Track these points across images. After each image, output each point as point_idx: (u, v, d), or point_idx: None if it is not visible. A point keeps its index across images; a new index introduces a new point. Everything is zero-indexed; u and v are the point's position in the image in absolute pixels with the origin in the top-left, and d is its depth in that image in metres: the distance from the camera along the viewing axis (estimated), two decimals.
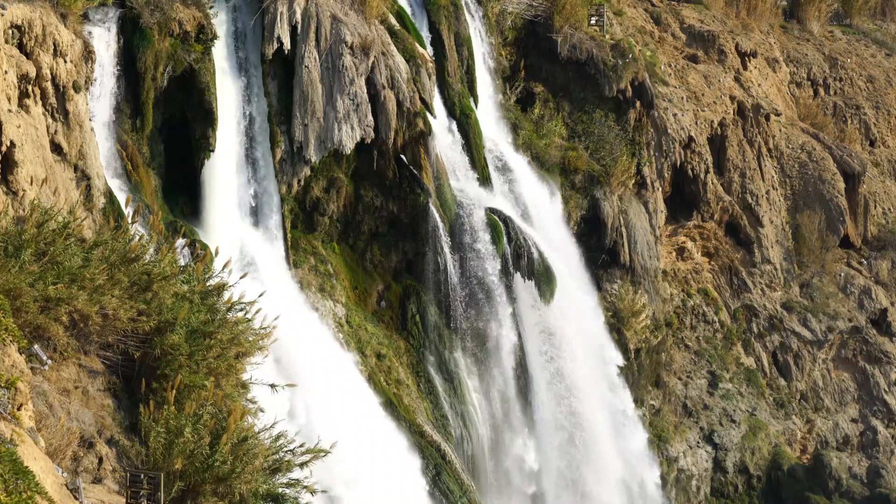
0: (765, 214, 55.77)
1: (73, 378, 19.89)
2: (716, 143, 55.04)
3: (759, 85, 59.19)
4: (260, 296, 22.82)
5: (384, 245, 40.57)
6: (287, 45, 37.54)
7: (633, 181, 49.23)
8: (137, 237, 22.09)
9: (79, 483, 16.46)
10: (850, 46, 68.33)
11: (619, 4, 56.74)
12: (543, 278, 42.14)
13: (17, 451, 14.55)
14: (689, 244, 54.17)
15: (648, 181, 50.01)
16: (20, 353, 17.11)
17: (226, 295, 22.46)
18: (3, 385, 15.70)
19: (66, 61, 29.99)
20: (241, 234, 36.49)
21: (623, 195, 48.58)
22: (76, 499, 16.21)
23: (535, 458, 42.28)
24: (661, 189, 51.41)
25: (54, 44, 29.56)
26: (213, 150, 35.72)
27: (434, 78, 41.40)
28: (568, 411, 43.32)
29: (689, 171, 53.13)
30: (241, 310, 22.32)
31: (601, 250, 47.77)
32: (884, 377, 56.38)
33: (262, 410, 22.11)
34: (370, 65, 38.71)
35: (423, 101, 40.07)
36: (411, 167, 39.98)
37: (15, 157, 26.77)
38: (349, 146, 38.29)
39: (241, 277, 23.51)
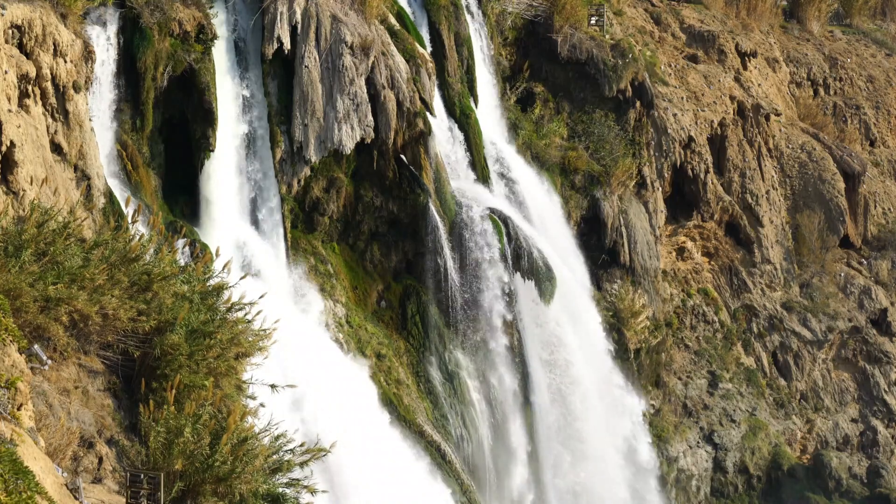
0: (765, 214, 55.75)
1: (73, 378, 19.89)
2: (716, 143, 55.01)
3: (759, 85, 59.18)
4: (261, 297, 22.81)
5: (384, 245, 40.55)
6: (287, 45, 37.54)
7: (633, 181, 49.21)
8: (137, 237, 22.08)
9: (79, 483, 16.46)
10: (850, 46, 68.29)
11: (619, 4, 56.72)
12: (543, 278, 42.12)
13: (17, 451, 14.55)
14: (689, 244, 54.15)
15: (648, 181, 50.00)
16: (20, 353, 17.11)
17: (226, 295, 22.45)
18: (3, 385, 15.70)
19: (66, 61, 29.98)
20: (241, 234, 36.50)
21: (623, 195, 48.57)
22: (76, 499, 16.21)
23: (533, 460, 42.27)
24: (661, 189, 51.39)
25: (54, 44, 29.56)
26: (213, 150, 35.74)
27: (434, 78, 41.40)
28: (569, 409, 43.32)
29: (689, 171, 53.11)
30: (241, 310, 22.31)
31: (601, 250, 47.76)
32: (884, 377, 56.35)
33: (262, 405, 22.09)
34: (370, 65, 38.72)
35: (423, 101, 40.07)
36: (411, 167, 39.98)
37: (15, 157, 26.79)
38: (349, 146, 38.29)
39: (241, 279, 23.52)
